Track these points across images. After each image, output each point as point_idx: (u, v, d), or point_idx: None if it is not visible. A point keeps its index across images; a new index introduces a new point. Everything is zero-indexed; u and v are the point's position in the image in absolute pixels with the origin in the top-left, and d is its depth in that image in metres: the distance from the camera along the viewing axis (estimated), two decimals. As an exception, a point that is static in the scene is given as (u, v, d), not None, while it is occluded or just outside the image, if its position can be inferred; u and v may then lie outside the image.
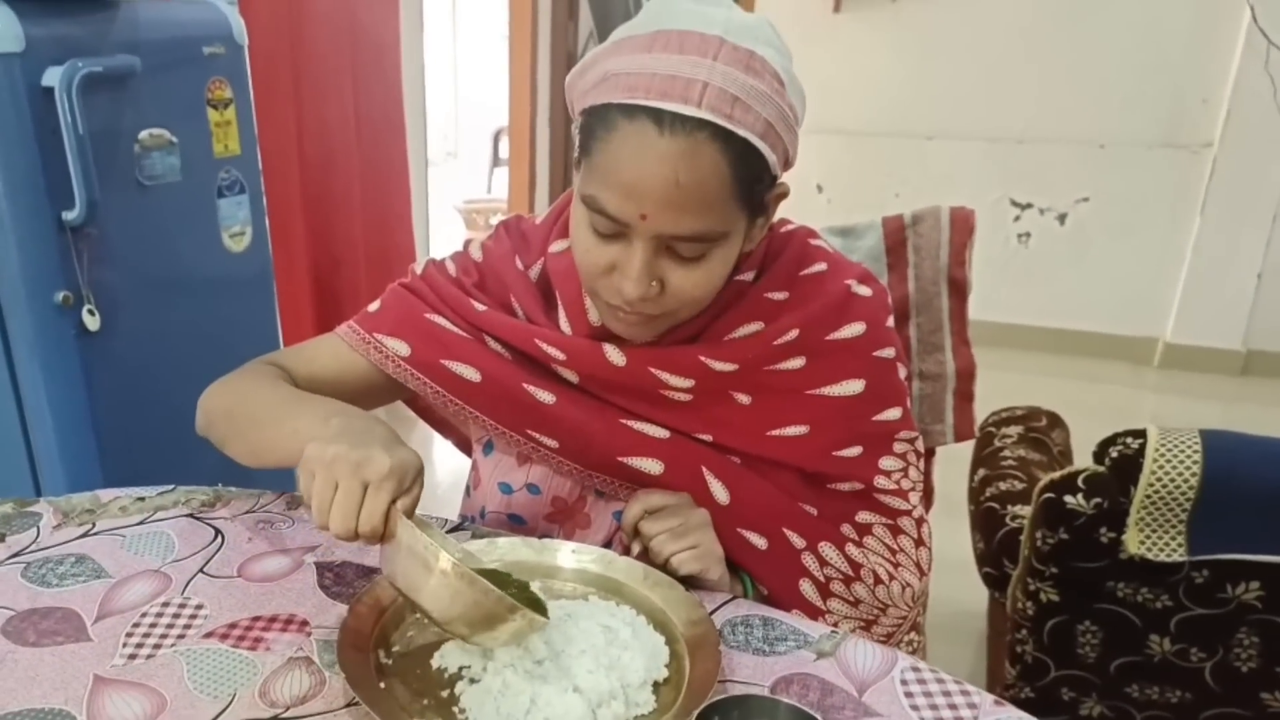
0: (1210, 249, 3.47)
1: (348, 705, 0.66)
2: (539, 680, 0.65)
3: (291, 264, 2.53)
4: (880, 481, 0.89)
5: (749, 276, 0.86)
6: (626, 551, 0.88)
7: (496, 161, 6.41)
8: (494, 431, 0.88)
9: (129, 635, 0.73)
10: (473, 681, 0.67)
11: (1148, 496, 1.09)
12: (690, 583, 0.79)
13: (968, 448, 1.56)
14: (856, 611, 0.88)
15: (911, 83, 3.68)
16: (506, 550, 0.82)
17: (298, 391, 0.85)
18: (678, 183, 0.69)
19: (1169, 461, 1.08)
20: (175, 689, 0.67)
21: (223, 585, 0.80)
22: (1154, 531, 1.12)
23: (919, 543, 0.92)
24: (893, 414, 0.89)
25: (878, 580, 0.88)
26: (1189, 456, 1.07)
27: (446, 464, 2.77)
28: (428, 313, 0.89)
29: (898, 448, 0.90)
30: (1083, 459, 1.19)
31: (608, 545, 0.90)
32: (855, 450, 0.87)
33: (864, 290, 0.88)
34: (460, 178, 6.87)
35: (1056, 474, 1.17)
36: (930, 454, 1.12)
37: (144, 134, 1.57)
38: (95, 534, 0.87)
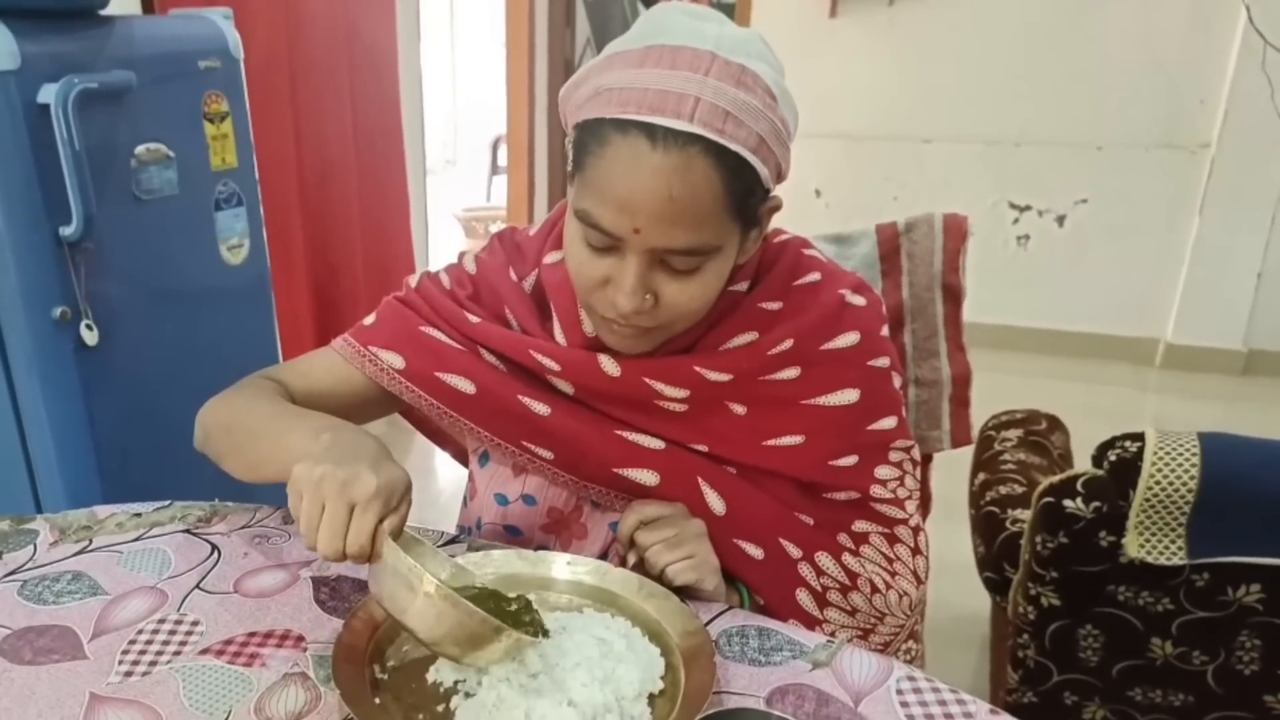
0: (1210, 249, 3.47)
1: (343, 721, 0.66)
2: (534, 694, 0.65)
3: (290, 275, 2.54)
4: (876, 491, 0.89)
5: (743, 287, 0.86)
6: (623, 562, 0.88)
7: (495, 169, 6.43)
8: (489, 443, 0.89)
9: (125, 652, 0.73)
10: (468, 696, 0.67)
11: (1147, 500, 1.09)
12: (686, 593, 0.79)
13: (968, 451, 1.56)
14: (854, 621, 0.87)
15: (908, 87, 3.68)
16: (501, 563, 0.82)
17: (292, 406, 0.85)
18: (671, 197, 0.69)
19: (1167, 465, 1.07)
20: (171, 706, 0.67)
21: (219, 601, 0.80)
22: (1153, 535, 1.11)
23: (916, 551, 0.92)
24: (888, 423, 0.89)
25: (874, 589, 0.88)
26: (1187, 459, 1.07)
27: (447, 474, 2.78)
28: (422, 325, 0.89)
29: (893, 457, 0.90)
30: (1084, 462, 1.19)
31: (604, 556, 0.90)
32: (851, 460, 0.87)
33: (858, 300, 0.88)
34: (460, 186, 6.88)
35: (1056, 478, 1.17)
36: (927, 460, 1.12)
37: (140, 148, 1.57)
38: (92, 551, 0.87)
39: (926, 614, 1.01)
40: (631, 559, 0.82)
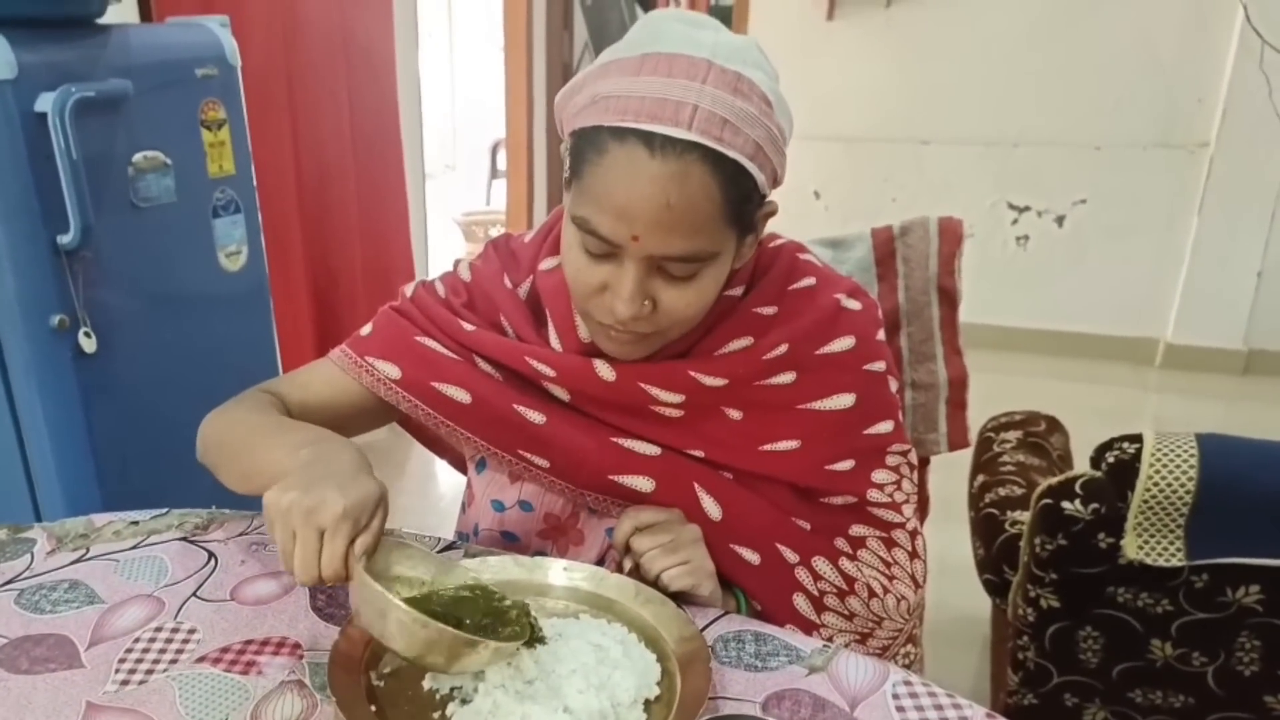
0: (1209, 248, 3.47)
1: (339, 729, 0.66)
2: (529, 700, 0.65)
3: (289, 281, 2.54)
4: (873, 495, 0.89)
5: (738, 292, 0.86)
6: (619, 568, 0.88)
7: (495, 173, 6.44)
8: (486, 452, 0.89)
9: (121, 661, 0.73)
10: (464, 702, 0.67)
11: (1145, 501, 1.09)
12: (682, 599, 0.79)
13: (967, 453, 1.56)
14: (851, 625, 0.87)
15: (906, 88, 3.69)
16: (498, 569, 0.82)
17: (281, 420, 0.85)
18: (669, 204, 0.69)
19: (1165, 466, 1.07)
20: (168, 715, 0.67)
21: (215, 608, 0.80)
22: (1152, 536, 1.11)
23: (913, 555, 0.92)
24: (884, 427, 0.89)
25: (872, 594, 0.88)
26: (1185, 461, 1.07)
27: (447, 480, 2.78)
28: (417, 335, 0.90)
29: (890, 461, 0.90)
30: (1084, 462, 1.19)
31: (601, 562, 0.90)
32: (847, 464, 0.87)
33: (853, 304, 0.88)
34: (459, 190, 6.89)
35: (1054, 480, 1.17)
36: (924, 464, 1.12)
37: (138, 156, 1.58)
38: (89, 559, 0.87)
39: (927, 616, 1.01)
40: (627, 564, 0.82)
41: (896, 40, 3.64)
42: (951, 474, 1.56)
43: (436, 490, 2.76)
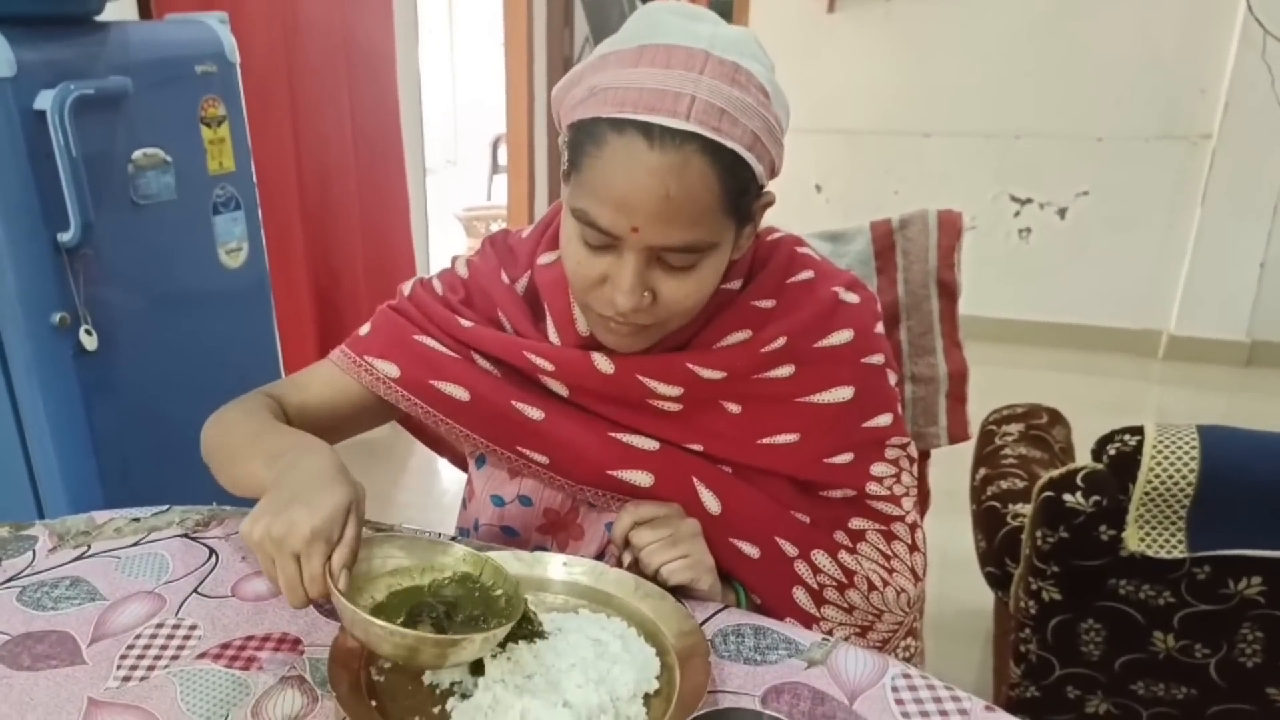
0: (1212, 240, 3.46)
1: (339, 724, 0.66)
2: (529, 695, 0.65)
3: (290, 278, 2.54)
4: (872, 488, 0.89)
5: (736, 285, 0.86)
6: (619, 562, 0.89)
7: (496, 169, 6.44)
8: (485, 449, 0.89)
9: (123, 657, 0.73)
10: (463, 697, 0.67)
11: (1146, 493, 1.09)
12: (681, 593, 0.79)
13: (969, 446, 1.56)
14: (851, 619, 0.87)
15: (907, 81, 3.68)
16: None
17: (261, 426, 0.85)
18: (668, 195, 0.69)
19: (1167, 458, 1.07)
20: (169, 710, 0.68)
21: (216, 605, 0.80)
22: (1153, 528, 1.11)
23: (913, 548, 0.92)
24: (883, 420, 0.89)
25: (871, 586, 0.88)
26: (1186, 453, 1.07)
27: (449, 475, 2.78)
28: (415, 333, 0.90)
29: (889, 454, 0.90)
30: (1086, 455, 1.19)
31: (600, 556, 0.90)
32: (846, 457, 0.87)
33: (851, 297, 0.88)
34: (460, 185, 6.89)
35: (1055, 472, 1.17)
36: (925, 457, 1.12)
37: (138, 154, 1.58)
38: (90, 556, 0.87)
39: (929, 610, 1.01)
40: (626, 558, 0.82)
41: (897, 33, 3.63)
42: (953, 467, 1.56)
43: (438, 486, 2.76)
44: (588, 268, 0.76)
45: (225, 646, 0.75)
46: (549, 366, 0.85)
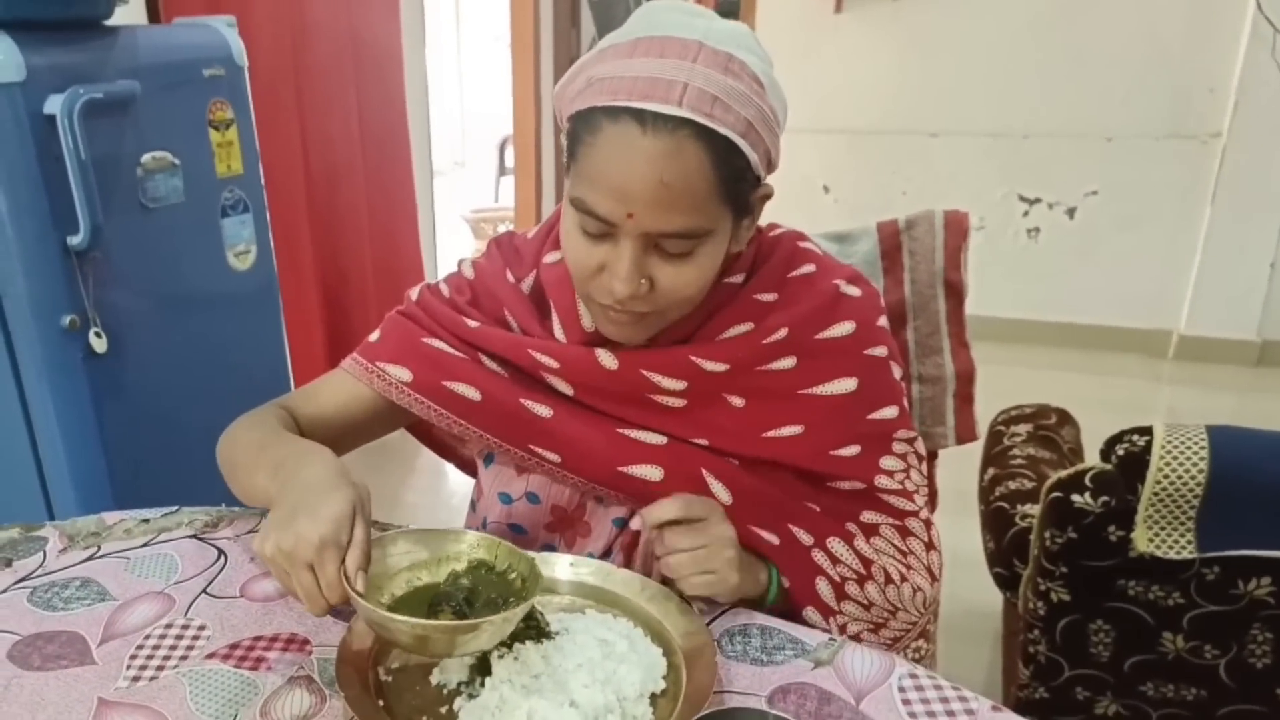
0: (1222, 239, 3.44)
1: (347, 724, 0.67)
2: (535, 695, 0.66)
3: (299, 280, 2.55)
4: (882, 481, 0.88)
5: (738, 279, 0.86)
6: (627, 560, 0.88)
7: (503, 170, 6.45)
8: (497, 448, 0.89)
9: (133, 658, 0.74)
10: (471, 697, 0.67)
11: (1155, 494, 1.08)
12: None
13: (978, 446, 1.55)
14: (868, 615, 0.87)
15: (915, 81, 3.67)
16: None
17: (270, 436, 0.86)
18: (662, 181, 0.70)
19: (1176, 458, 1.07)
20: (178, 710, 0.68)
21: (225, 605, 0.81)
22: (1162, 529, 1.11)
23: (930, 546, 0.91)
24: (889, 412, 0.88)
25: (889, 580, 0.87)
26: (1196, 453, 1.06)
27: (458, 476, 2.76)
28: (425, 337, 0.90)
29: (897, 448, 0.89)
30: (1095, 455, 1.18)
31: (608, 553, 0.90)
32: (853, 449, 0.87)
33: (853, 290, 0.88)
34: (468, 187, 6.90)
35: (1064, 473, 1.16)
36: (932, 457, 1.12)
37: (146, 157, 1.59)
38: (100, 557, 0.88)
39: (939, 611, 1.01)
40: (657, 550, 0.80)
41: (904, 32, 3.62)
42: (962, 467, 1.55)
43: (446, 487, 2.77)
44: (586, 257, 0.77)
45: (234, 647, 0.75)
46: (554, 364, 0.86)
